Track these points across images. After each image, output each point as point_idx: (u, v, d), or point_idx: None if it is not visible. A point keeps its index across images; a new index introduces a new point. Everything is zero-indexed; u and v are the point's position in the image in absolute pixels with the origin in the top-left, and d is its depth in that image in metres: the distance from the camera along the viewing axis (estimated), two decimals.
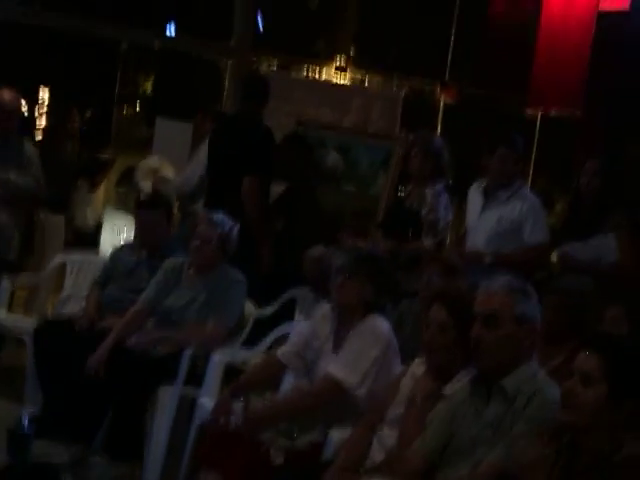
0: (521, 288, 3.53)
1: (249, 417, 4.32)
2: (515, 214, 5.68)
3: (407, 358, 4.26)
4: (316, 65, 9.86)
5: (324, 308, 4.67)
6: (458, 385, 3.66)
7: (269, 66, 9.77)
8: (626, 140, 8.54)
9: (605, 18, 8.57)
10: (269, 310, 5.98)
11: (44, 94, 11.19)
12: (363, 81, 9.86)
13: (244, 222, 5.82)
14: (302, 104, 9.33)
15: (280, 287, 6.13)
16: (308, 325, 4.75)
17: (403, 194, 6.42)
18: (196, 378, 5.24)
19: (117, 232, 8.23)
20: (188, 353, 5.26)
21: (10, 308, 6.58)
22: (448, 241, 6.59)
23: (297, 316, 5.91)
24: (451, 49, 9.69)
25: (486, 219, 5.76)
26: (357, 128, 9.17)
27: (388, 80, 9.83)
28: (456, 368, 3.75)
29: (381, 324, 4.39)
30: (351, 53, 10.04)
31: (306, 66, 9.86)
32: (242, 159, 6.43)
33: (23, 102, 7.77)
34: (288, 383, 4.75)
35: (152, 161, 7.74)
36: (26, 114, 10.15)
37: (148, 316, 5.56)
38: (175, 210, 7.05)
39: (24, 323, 6.12)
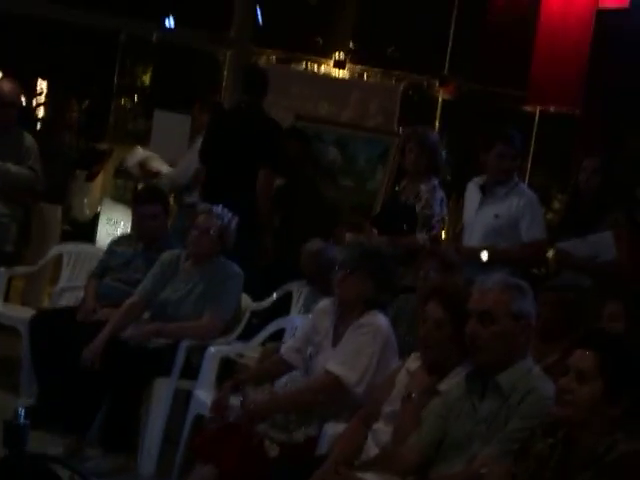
0: (516, 285, 3.54)
1: (248, 409, 4.33)
2: (512, 210, 5.66)
3: (403, 353, 4.27)
4: (315, 60, 9.84)
5: (324, 303, 4.67)
6: (454, 381, 3.67)
7: (268, 60, 9.75)
8: (625, 133, 8.53)
9: (604, 15, 8.57)
10: (266, 303, 5.98)
11: (42, 85, 11.16)
12: (362, 76, 9.85)
13: (244, 214, 5.80)
14: (300, 98, 9.32)
15: (277, 281, 6.13)
16: (309, 320, 4.75)
17: (398, 189, 6.41)
18: (192, 370, 5.25)
19: (114, 223, 8.23)
20: (184, 345, 5.27)
21: (7, 298, 6.59)
22: (444, 237, 6.58)
23: (293, 310, 5.91)
24: (450, 45, 9.67)
25: (483, 215, 5.75)
26: (355, 122, 9.16)
27: (387, 75, 9.80)
28: (452, 364, 3.76)
29: (380, 320, 4.40)
30: (350, 47, 10.01)
31: (305, 61, 9.84)
32: (251, 152, 6.42)
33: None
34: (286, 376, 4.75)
35: (140, 152, 7.81)
36: (24, 105, 10.12)
37: (144, 308, 5.56)
38: (171, 202, 7.04)
39: (20, 313, 6.12)
